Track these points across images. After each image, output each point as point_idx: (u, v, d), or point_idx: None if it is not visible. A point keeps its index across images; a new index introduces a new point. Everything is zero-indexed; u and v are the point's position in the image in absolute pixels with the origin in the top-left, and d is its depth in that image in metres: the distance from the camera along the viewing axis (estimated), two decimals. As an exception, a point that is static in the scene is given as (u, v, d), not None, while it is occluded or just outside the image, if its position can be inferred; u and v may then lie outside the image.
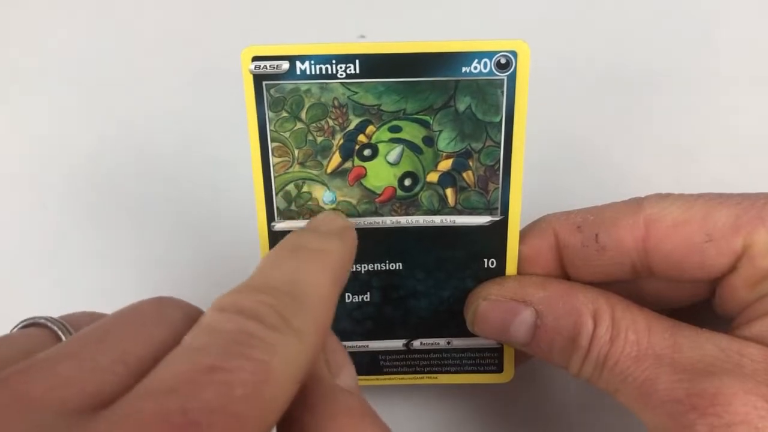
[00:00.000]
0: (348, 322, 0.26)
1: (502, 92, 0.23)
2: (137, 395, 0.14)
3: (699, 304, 0.25)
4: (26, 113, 0.31)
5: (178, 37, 0.31)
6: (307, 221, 0.24)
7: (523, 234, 0.25)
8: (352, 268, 0.25)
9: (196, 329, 0.16)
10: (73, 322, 0.18)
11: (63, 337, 0.17)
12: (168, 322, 0.17)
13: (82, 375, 0.14)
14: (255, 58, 0.22)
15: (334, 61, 0.22)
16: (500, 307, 0.24)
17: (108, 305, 0.31)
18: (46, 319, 0.18)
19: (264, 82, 0.23)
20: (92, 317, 0.19)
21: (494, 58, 0.22)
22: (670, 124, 0.31)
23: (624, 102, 0.31)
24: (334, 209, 0.24)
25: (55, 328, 0.17)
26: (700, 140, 0.31)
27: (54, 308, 0.30)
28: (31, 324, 0.18)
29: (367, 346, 0.26)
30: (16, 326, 0.18)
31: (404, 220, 0.24)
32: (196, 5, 0.31)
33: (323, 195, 0.24)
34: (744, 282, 0.22)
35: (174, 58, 0.31)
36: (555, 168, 0.30)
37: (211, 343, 0.15)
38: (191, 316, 0.17)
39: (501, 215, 0.24)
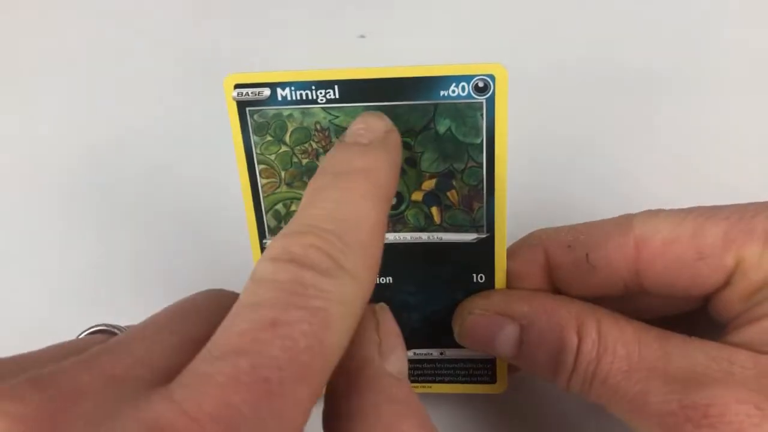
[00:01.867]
0: (342, 333, 0.27)
1: (482, 115, 0.22)
2: (204, 359, 0.14)
3: (691, 312, 0.25)
4: (25, 115, 0.33)
5: (181, 43, 0.32)
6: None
7: (513, 250, 0.25)
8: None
9: (250, 283, 0.16)
10: None
11: None
12: (224, 308, 0.17)
13: (155, 354, 0.15)
14: (237, 86, 0.23)
15: (313, 87, 0.23)
16: (485, 322, 0.24)
17: (104, 309, 0.32)
18: (112, 325, 0.19)
19: (247, 108, 0.23)
20: None
21: (472, 82, 0.22)
22: (669, 127, 0.30)
23: (614, 114, 0.30)
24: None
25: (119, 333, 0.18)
26: (700, 142, 0.30)
27: (50, 308, 0.32)
28: (98, 331, 0.19)
29: (362, 355, 0.27)
30: (83, 332, 0.19)
31: (392, 237, 0.25)
32: (201, 6, 0.31)
33: (311, 214, 0.25)
34: (738, 295, 0.22)
35: (173, 70, 0.32)
36: (544, 181, 0.30)
37: (267, 296, 0.15)
38: None
39: (487, 233, 0.24)
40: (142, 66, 0.32)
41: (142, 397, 0.14)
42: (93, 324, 0.19)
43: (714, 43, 0.30)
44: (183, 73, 0.32)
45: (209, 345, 0.15)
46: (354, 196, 0.18)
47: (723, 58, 0.30)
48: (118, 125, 0.32)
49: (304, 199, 0.18)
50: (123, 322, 0.32)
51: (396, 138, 0.21)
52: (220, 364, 0.14)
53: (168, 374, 0.15)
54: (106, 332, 0.19)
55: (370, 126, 0.21)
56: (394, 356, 0.19)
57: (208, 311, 0.17)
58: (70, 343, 0.18)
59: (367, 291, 0.17)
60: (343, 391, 0.17)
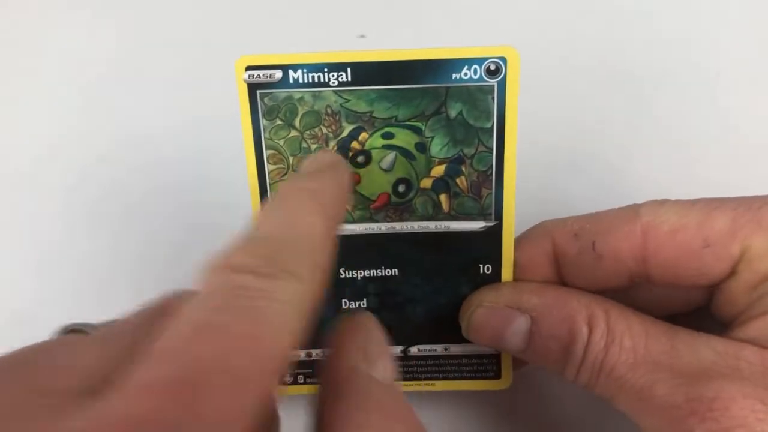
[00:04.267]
0: (345, 328, 0.26)
1: (493, 98, 0.23)
2: (134, 368, 0.13)
3: (696, 309, 0.25)
4: (24, 115, 0.32)
5: (180, 38, 0.32)
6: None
7: (520, 241, 0.25)
8: (348, 274, 0.25)
9: (191, 297, 0.15)
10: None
11: None
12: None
13: (87, 360, 0.14)
14: (248, 68, 0.23)
15: (326, 70, 0.23)
16: (495, 314, 0.24)
17: (102, 310, 0.31)
18: (84, 324, 0.18)
19: (258, 91, 0.23)
20: None
21: (484, 65, 0.22)
22: (669, 125, 0.31)
23: (622, 103, 0.31)
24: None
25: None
26: (700, 141, 0.30)
27: (47, 309, 0.31)
28: (70, 330, 0.18)
29: (365, 352, 0.26)
30: (56, 331, 0.18)
31: (399, 226, 0.25)
32: (199, 6, 0.32)
33: (318, 201, 0.24)
34: (743, 286, 0.22)
35: (175, 62, 0.31)
36: (552, 171, 0.30)
37: (204, 304, 0.15)
38: None
39: (495, 220, 0.24)
40: (140, 65, 0.32)
41: (59, 411, 0.13)
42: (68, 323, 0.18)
43: (717, 42, 0.31)
44: (180, 73, 0.32)
45: (140, 354, 0.14)
46: (302, 209, 0.18)
47: (727, 56, 0.31)
48: (121, 116, 0.32)
49: (252, 222, 0.18)
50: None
51: (344, 165, 0.21)
52: (148, 369, 0.13)
53: (101, 381, 0.14)
54: (78, 331, 0.18)
55: (318, 158, 0.22)
56: (380, 363, 0.19)
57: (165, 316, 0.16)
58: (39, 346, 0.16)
59: (313, 294, 0.16)
60: (328, 401, 0.17)
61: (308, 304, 0.16)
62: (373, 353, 0.19)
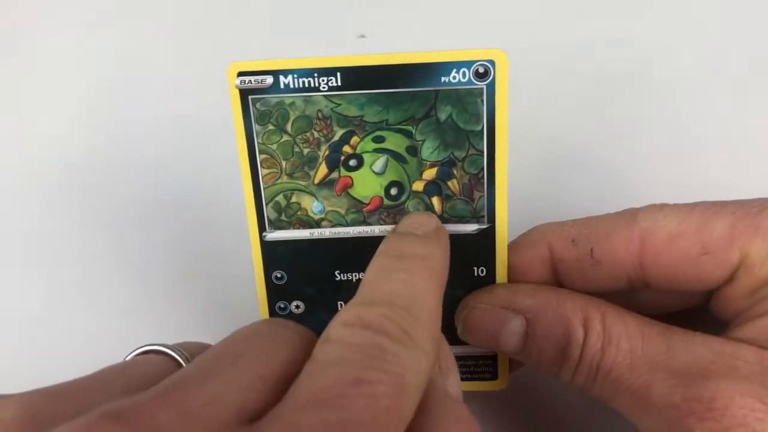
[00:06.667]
0: (342, 330, 0.26)
1: (482, 101, 0.23)
2: (291, 408, 0.15)
3: (694, 309, 0.25)
4: (21, 115, 0.33)
5: (177, 41, 0.32)
6: (300, 230, 0.25)
7: (516, 244, 0.25)
8: (344, 276, 0.25)
9: (326, 344, 0.17)
10: (189, 350, 0.19)
11: (183, 364, 0.18)
12: (287, 342, 0.18)
13: (229, 392, 0.15)
14: (240, 74, 0.23)
15: (316, 75, 0.23)
16: (490, 316, 0.24)
17: (98, 308, 0.32)
18: (163, 345, 0.19)
19: (250, 97, 0.23)
20: (204, 347, 0.20)
21: (472, 68, 0.22)
22: (665, 127, 0.30)
23: (611, 104, 0.30)
24: (321, 218, 0.25)
25: (175, 355, 0.18)
26: (699, 142, 0.30)
27: (43, 308, 0.32)
28: (149, 351, 0.19)
29: (362, 353, 0.27)
30: (132, 352, 0.19)
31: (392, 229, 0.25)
32: (200, 6, 0.32)
33: (312, 205, 0.25)
34: (741, 290, 0.22)
35: (172, 66, 0.32)
36: (545, 173, 0.30)
37: (347, 356, 0.16)
38: (304, 336, 0.18)
39: (488, 223, 0.24)
40: (141, 64, 0.32)
41: None
42: (142, 344, 0.19)
43: (715, 42, 0.30)
44: (180, 73, 0.32)
45: (293, 393, 0.15)
46: (419, 278, 0.19)
47: (724, 57, 0.30)
48: (116, 122, 0.32)
49: (368, 276, 0.20)
50: (128, 319, 0.31)
51: (445, 233, 0.23)
52: (309, 414, 0.14)
53: (246, 414, 0.15)
54: (158, 353, 0.19)
55: (422, 221, 0.23)
56: (451, 378, 0.20)
57: (273, 346, 0.18)
58: (128, 367, 0.18)
59: (432, 366, 0.18)
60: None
61: (427, 375, 0.17)
62: (446, 368, 0.20)
